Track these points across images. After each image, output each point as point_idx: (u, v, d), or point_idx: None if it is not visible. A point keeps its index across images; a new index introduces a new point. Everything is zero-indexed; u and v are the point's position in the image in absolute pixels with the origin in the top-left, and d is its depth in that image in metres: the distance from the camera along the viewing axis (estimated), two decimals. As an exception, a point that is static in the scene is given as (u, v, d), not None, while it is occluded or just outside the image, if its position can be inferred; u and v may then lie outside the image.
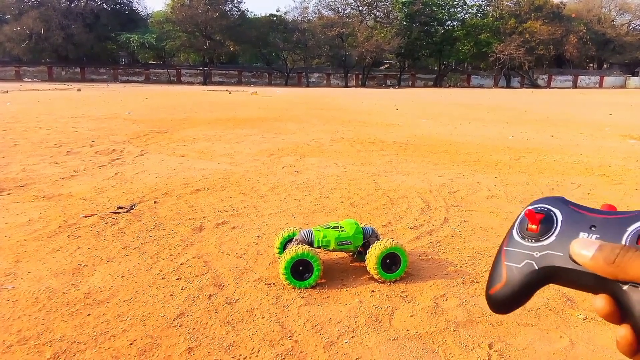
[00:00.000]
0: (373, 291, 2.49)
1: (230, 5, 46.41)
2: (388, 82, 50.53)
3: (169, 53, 49.75)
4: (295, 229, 2.81)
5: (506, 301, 0.42)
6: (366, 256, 2.58)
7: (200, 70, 47.29)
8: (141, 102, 16.83)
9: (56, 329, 2.07)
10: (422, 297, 2.44)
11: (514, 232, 0.44)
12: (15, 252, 2.90)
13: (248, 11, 50.35)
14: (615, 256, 0.36)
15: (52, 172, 5.12)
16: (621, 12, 53.21)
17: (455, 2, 49.47)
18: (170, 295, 2.40)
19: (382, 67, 53.59)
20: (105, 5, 47.71)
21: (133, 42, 44.45)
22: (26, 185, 4.56)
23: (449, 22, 50.76)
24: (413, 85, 50.16)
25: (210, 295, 2.41)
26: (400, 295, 2.45)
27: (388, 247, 2.54)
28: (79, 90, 25.31)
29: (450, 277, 2.67)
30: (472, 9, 51.07)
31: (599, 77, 53.03)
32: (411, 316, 2.25)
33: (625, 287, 0.36)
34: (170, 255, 2.93)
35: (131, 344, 1.97)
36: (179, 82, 46.36)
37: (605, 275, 0.37)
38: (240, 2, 47.46)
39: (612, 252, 0.36)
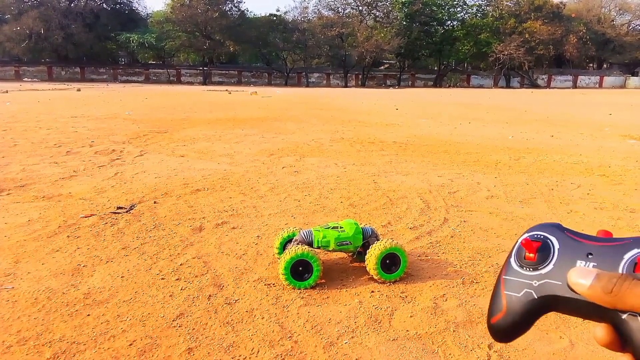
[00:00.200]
0: (373, 291, 2.49)
1: (230, 5, 46.43)
2: (388, 82, 50.54)
3: (168, 53, 49.76)
4: (294, 229, 2.81)
5: (507, 330, 0.42)
6: (366, 256, 2.58)
7: (200, 70, 47.29)
8: (141, 102, 16.83)
9: (56, 330, 2.07)
10: (422, 297, 2.44)
11: (512, 260, 0.44)
12: (15, 253, 2.90)
13: (248, 11, 50.42)
14: (612, 285, 0.36)
15: (51, 172, 5.12)
16: (621, 12, 53.23)
17: (455, 2, 49.50)
18: (170, 295, 2.40)
19: (382, 67, 53.61)
20: (105, 5, 47.71)
21: (133, 42, 44.46)
22: (26, 185, 4.56)
23: (449, 22, 50.79)
24: (413, 85, 50.17)
25: (210, 295, 2.41)
26: (400, 296, 2.45)
27: (388, 248, 2.54)
28: (78, 90, 25.31)
29: (450, 278, 2.67)
30: (472, 9, 51.12)
31: (598, 77, 53.06)
32: (411, 316, 2.25)
33: (624, 316, 0.36)
34: (170, 255, 2.93)
35: (131, 344, 1.97)
36: (179, 82, 46.37)
37: (603, 304, 0.37)
38: (240, 2, 47.50)
39: (610, 281, 0.37)
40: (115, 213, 3.73)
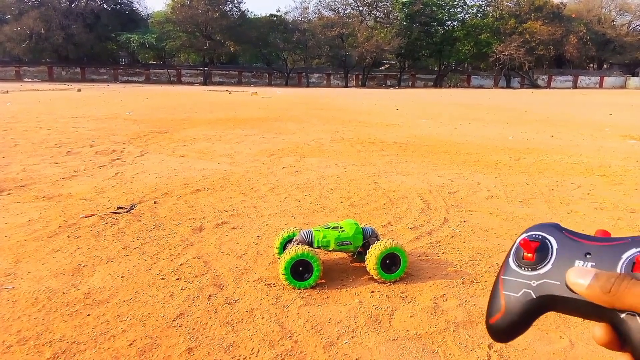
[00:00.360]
0: (373, 291, 2.49)
1: (230, 6, 46.46)
2: (388, 82, 50.55)
3: (169, 53, 49.79)
4: (295, 229, 2.81)
5: (506, 330, 0.43)
6: (366, 256, 2.58)
7: (201, 70, 47.31)
8: (141, 102, 16.83)
9: (56, 329, 2.07)
10: (422, 297, 2.44)
11: (510, 260, 0.44)
12: (15, 253, 2.90)
13: (248, 11, 50.48)
14: (611, 285, 0.36)
15: (52, 172, 5.13)
16: (621, 12, 53.22)
17: (455, 3, 49.50)
18: (170, 295, 2.40)
19: (382, 68, 53.62)
20: (105, 6, 47.74)
21: (133, 42, 44.48)
22: (26, 185, 4.56)
23: (449, 22, 50.80)
24: (413, 86, 50.17)
25: (210, 295, 2.41)
26: (400, 296, 2.45)
27: (388, 248, 2.54)
28: (79, 90, 25.32)
29: (450, 278, 2.67)
30: (472, 9, 51.12)
31: (599, 77, 53.05)
32: (411, 316, 2.25)
33: (622, 316, 0.36)
34: (170, 255, 2.93)
35: (131, 344, 1.97)
36: (179, 82, 46.39)
37: (601, 304, 0.37)
38: (240, 2, 47.53)
39: (608, 281, 0.37)
40: (115, 213, 3.73)
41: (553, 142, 8.21)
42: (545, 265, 0.42)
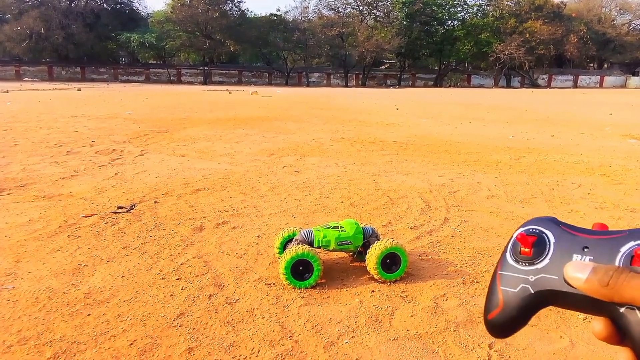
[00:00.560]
0: (373, 291, 2.49)
1: (230, 5, 46.45)
2: (388, 81, 50.54)
3: (169, 53, 49.78)
4: (295, 228, 2.81)
5: (505, 326, 0.42)
6: (366, 256, 2.58)
7: (201, 69, 47.30)
8: (141, 101, 16.83)
9: (56, 329, 2.07)
10: (422, 297, 2.44)
11: (508, 255, 0.44)
12: (16, 252, 2.90)
13: (248, 11, 50.37)
14: (609, 278, 0.36)
15: (52, 172, 5.13)
16: (621, 11, 53.20)
17: (455, 2, 49.48)
18: (171, 295, 2.40)
19: (382, 67, 53.60)
20: (105, 5, 47.75)
21: (133, 41, 44.47)
22: (26, 185, 4.56)
23: (449, 21, 50.79)
24: (413, 85, 50.16)
25: (210, 295, 2.41)
26: (400, 295, 2.45)
27: (388, 247, 2.54)
28: (79, 89, 25.32)
29: (450, 277, 2.67)
30: (473, 9, 51.11)
31: (599, 76, 53.03)
32: (411, 316, 2.25)
33: (622, 310, 0.36)
34: (171, 255, 2.93)
35: (131, 344, 1.97)
36: (179, 81, 46.39)
37: (600, 297, 0.37)
38: (240, 2, 47.53)
39: (606, 274, 0.36)
40: (115, 213, 3.73)
41: (553, 142, 8.21)
42: (542, 259, 0.41)
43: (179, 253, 2.96)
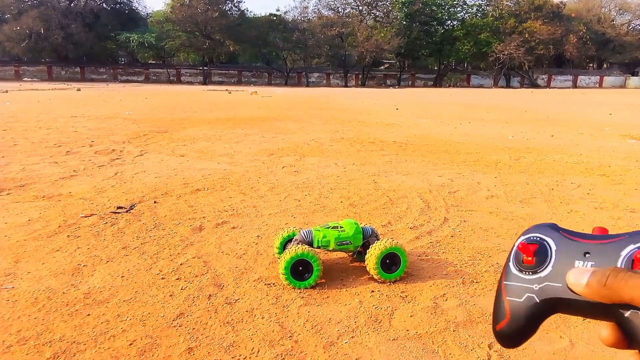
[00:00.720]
0: (373, 291, 2.49)
1: (230, 5, 46.44)
2: (388, 81, 50.54)
3: (168, 53, 49.76)
4: (294, 229, 2.81)
5: (514, 336, 0.43)
6: (366, 256, 2.58)
7: (200, 69, 47.29)
8: (141, 101, 16.83)
9: (56, 329, 2.06)
10: (422, 297, 2.44)
11: (511, 265, 0.44)
12: (15, 252, 2.90)
13: (248, 11, 50.45)
14: (606, 278, 0.36)
15: (52, 172, 5.12)
16: (621, 11, 53.24)
17: (455, 2, 49.50)
18: (170, 295, 2.40)
19: (382, 67, 53.61)
20: (105, 5, 47.74)
21: (133, 41, 44.46)
22: (26, 185, 4.56)
23: (449, 21, 50.80)
24: (413, 85, 50.17)
25: (210, 295, 2.41)
26: (400, 296, 2.45)
27: (388, 247, 2.54)
28: (78, 90, 25.31)
29: (450, 277, 2.67)
30: (472, 9, 51.14)
31: (598, 77, 53.06)
32: (411, 316, 2.25)
33: (627, 314, 0.36)
34: (170, 255, 2.92)
35: (131, 344, 1.97)
36: (179, 81, 46.37)
37: (600, 299, 0.37)
38: (240, 2, 47.53)
39: (604, 275, 0.37)
40: (115, 213, 3.73)
41: (553, 142, 8.21)
42: (545, 267, 0.42)
43: (178, 253, 2.95)
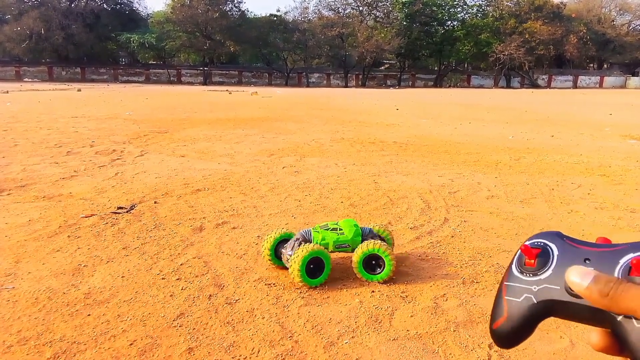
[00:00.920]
0: (373, 291, 2.49)
1: (230, 5, 46.47)
2: (388, 82, 50.55)
3: (169, 53, 49.79)
4: (282, 230, 2.76)
5: (509, 335, 0.44)
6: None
7: (201, 70, 47.32)
8: (141, 102, 16.83)
9: (56, 329, 2.07)
10: (422, 297, 2.44)
11: (513, 267, 0.45)
12: (16, 252, 2.90)
13: (248, 11, 50.52)
14: (609, 289, 0.37)
15: (52, 172, 5.13)
16: (621, 12, 53.22)
17: (455, 2, 49.52)
18: (171, 295, 2.40)
19: (382, 67, 53.63)
20: (105, 5, 47.75)
21: (133, 42, 44.50)
22: (26, 185, 4.56)
23: (449, 22, 50.81)
24: (413, 86, 50.17)
25: (210, 295, 2.41)
26: (400, 296, 2.45)
27: (369, 249, 2.53)
28: (79, 90, 25.33)
29: (450, 277, 2.67)
30: (472, 9, 51.15)
31: (599, 77, 53.05)
32: (411, 316, 2.25)
33: (619, 319, 0.37)
34: (171, 255, 2.93)
35: (131, 344, 1.97)
36: (179, 82, 46.39)
37: (598, 306, 0.38)
38: (240, 2, 47.55)
39: (607, 285, 0.37)
40: (115, 213, 3.73)
41: (553, 142, 8.21)
42: (546, 270, 0.43)
43: (178, 253, 2.96)
